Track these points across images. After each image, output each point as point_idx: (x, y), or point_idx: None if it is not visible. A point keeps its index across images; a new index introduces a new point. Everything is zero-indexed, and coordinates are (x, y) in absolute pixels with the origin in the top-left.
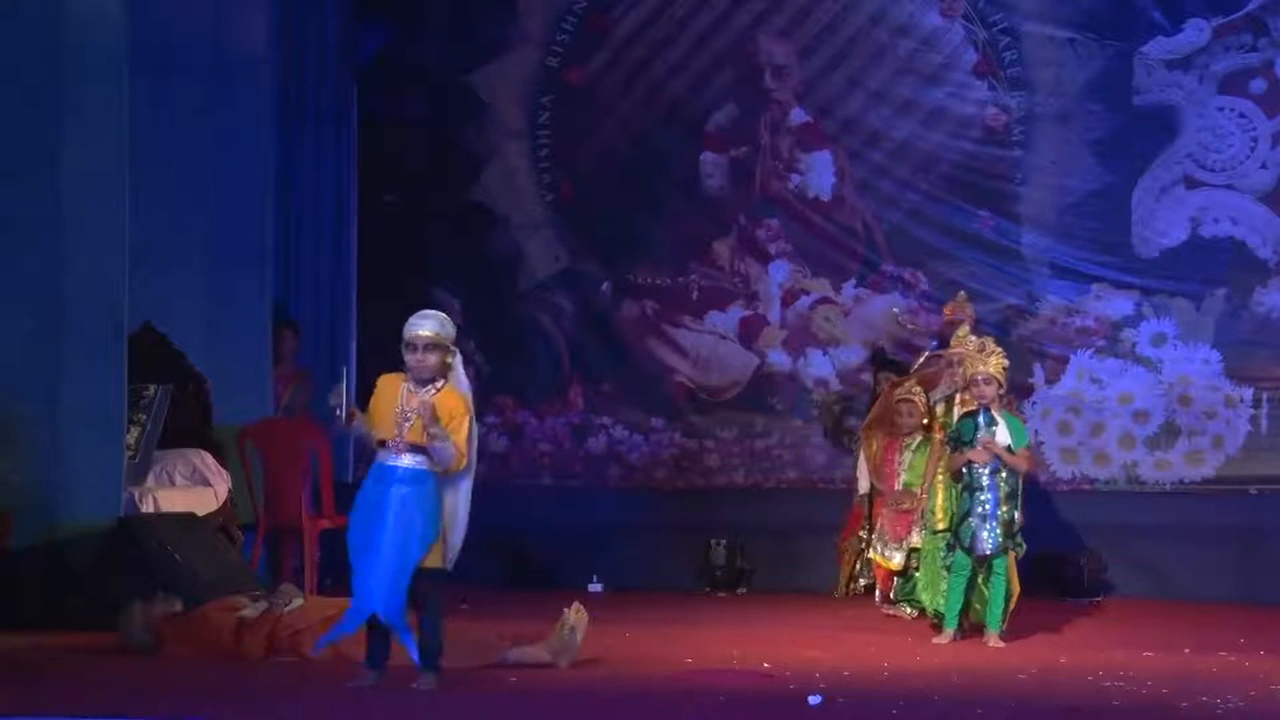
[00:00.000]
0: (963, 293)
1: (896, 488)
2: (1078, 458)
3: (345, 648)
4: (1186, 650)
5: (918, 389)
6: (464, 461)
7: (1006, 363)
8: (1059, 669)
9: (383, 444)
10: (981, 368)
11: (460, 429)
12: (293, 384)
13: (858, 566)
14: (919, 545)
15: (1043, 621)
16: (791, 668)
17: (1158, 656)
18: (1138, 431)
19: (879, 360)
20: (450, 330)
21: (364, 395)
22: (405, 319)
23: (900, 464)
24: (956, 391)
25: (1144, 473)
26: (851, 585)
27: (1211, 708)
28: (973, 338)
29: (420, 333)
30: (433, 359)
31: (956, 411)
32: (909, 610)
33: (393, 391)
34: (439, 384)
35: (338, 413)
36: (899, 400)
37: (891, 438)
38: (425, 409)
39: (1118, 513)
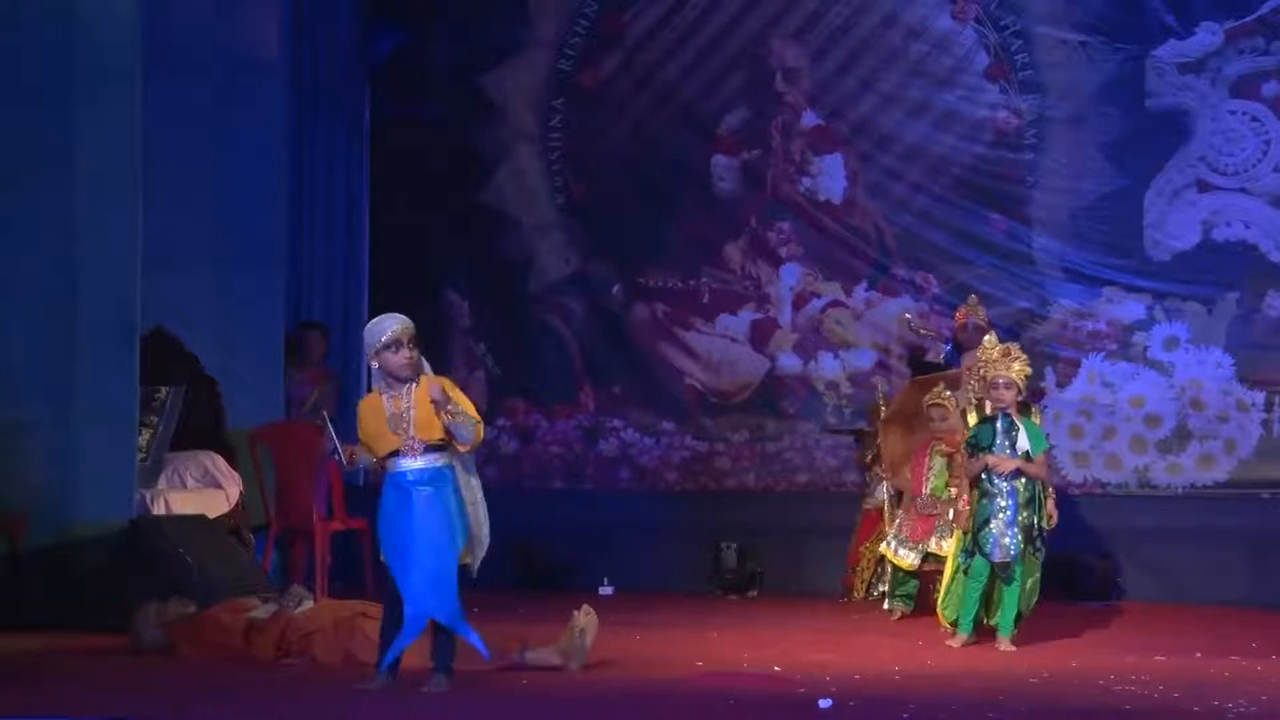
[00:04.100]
0: (974, 296)
1: (925, 492)
2: (1089, 461)
3: (356, 651)
4: (1198, 654)
5: (946, 393)
6: (482, 429)
7: (1030, 370)
8: (1070, 673)
9: (393, 455)
10: (1004, 372)
11: (464, 400)
12: (319, 385)
13: (877, 572)
14: (936, 551)
15: (1054, 625)
16: (802, 671)
17: (1169, 660)
18: (1149, 435)
19: (915, 364)
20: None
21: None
22: (418, 320)
23: (929, 468)
24: (983, 398)
25: (1156, 476)
26: (869, 592)
27: (1223, 712)
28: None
29: (403, 328)
30: (417, 353)
31: None
32: (901, 607)
33: (377, 408)
34: (415, 381)
35: (336, 457)
36: (930, 405)
37: (913, 437)
38: (434, 389)
39: (1129, 516)
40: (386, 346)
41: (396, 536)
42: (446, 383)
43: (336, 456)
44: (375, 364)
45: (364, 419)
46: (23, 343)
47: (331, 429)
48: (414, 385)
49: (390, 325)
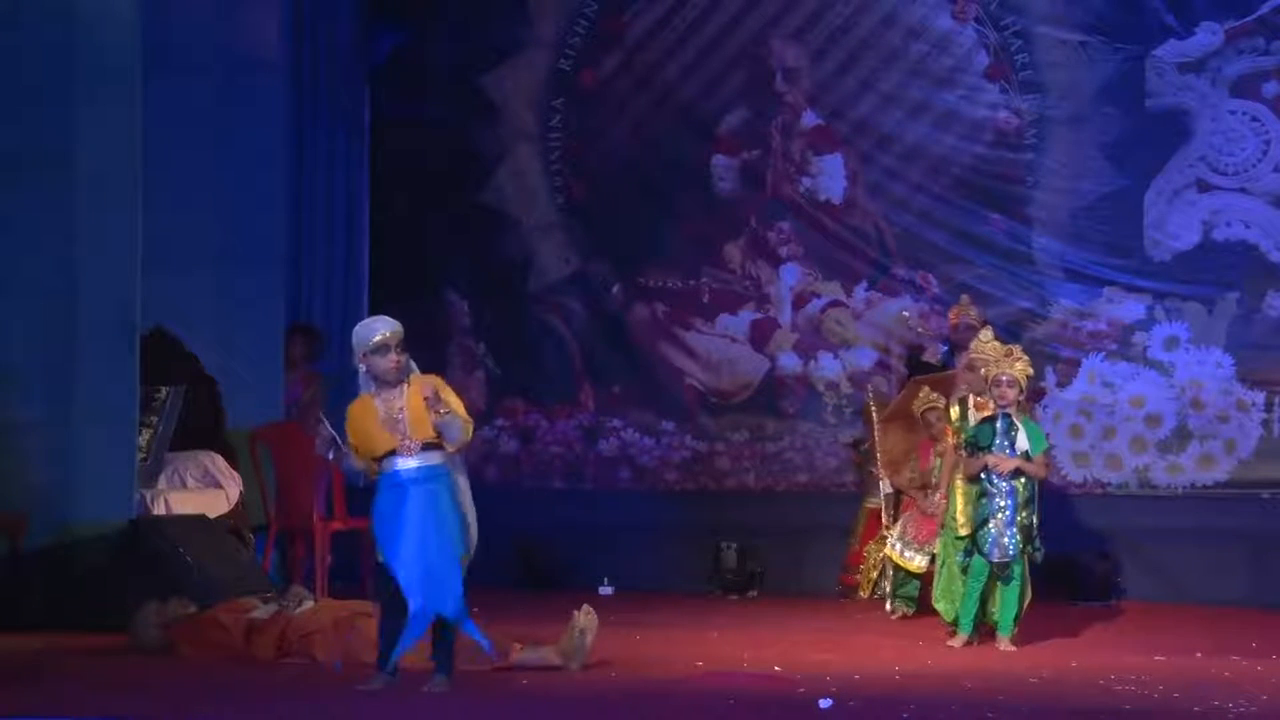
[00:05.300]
0: (965, 295)
1: (932, 482)
2: (1089, 461)
3: (356, 650)
4: (1198, 654)
5: (934, 395)
6: (471, 429)
7: (1031, 371)
8: (1071, 673)
9: (389, 456)
10: (1007, 369)
11: (454, 400)
12: (310, 387)
13: (881, 571)
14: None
15: (1054, 625)
16: (802, 671)
17: (1169, 660)
18: (1149, 435)
19: (913, 364)
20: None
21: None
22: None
23: (934, 465)
24: (972, 394)
25: (1156, 476)
26: (875, 590)
27: (1223, 712)
28: (994, 341)
29: (391, 333)
30: (405, 358)
31: (972, 415)
32: (903, 608)
33: (369, 410)
34: (405, 382)
35: (330, 455)
36: (925, 410)
37: (912, 436)
38: (426, 388)
39: (1129, 516)
40: (375, 350)
41: (394, 536)
42: (438, 381)
43: (330, 455)
44: (363, 366)
45: (355, 420)
46: (23, 343)
47: (328, 425)
48: (405, 386)
49: (380, 329)
